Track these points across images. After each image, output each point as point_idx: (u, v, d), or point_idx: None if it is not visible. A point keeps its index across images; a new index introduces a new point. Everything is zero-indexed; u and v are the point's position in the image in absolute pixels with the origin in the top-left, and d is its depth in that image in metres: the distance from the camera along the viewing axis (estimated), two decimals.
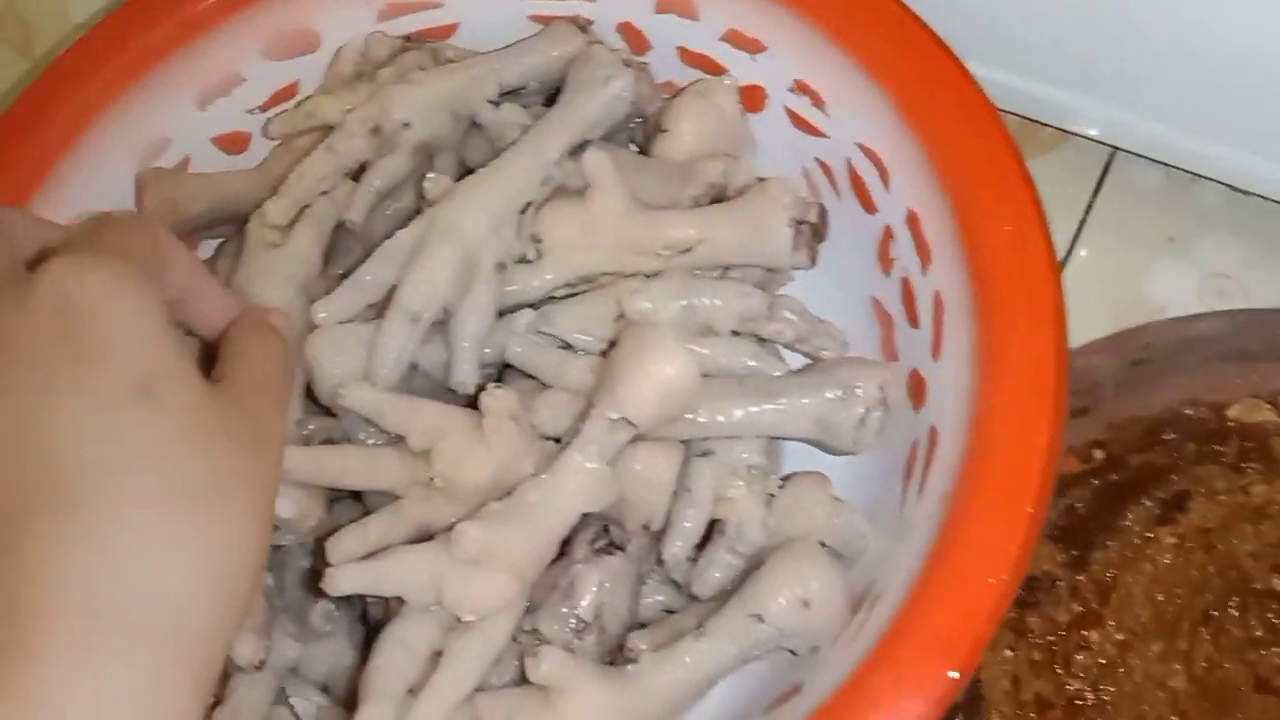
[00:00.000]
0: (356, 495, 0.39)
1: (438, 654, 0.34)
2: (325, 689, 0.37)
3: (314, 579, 0.35)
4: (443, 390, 0.38)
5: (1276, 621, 0.39)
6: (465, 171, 0.40)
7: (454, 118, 0.42)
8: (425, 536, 0.34)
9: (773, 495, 0.38)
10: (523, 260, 0.39)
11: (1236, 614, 0.39)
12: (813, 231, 0.37)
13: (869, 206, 0.41)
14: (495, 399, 0.35)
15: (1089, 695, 0.37)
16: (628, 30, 0.45)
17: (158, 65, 0.43)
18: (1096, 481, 0.38)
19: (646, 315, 0.37)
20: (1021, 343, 0.33)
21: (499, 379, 0.40)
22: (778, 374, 0.38)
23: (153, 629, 0.25)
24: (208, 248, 0.45)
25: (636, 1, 0.44)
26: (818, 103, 0.41)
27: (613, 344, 0.37)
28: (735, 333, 0.39)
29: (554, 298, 0.39)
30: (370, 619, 0.38)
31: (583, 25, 0.44)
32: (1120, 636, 0.38)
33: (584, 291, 0.39)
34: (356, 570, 0.33)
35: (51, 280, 0.27)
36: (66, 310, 0.26)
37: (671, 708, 0.34)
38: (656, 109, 0.43)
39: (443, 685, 0.32)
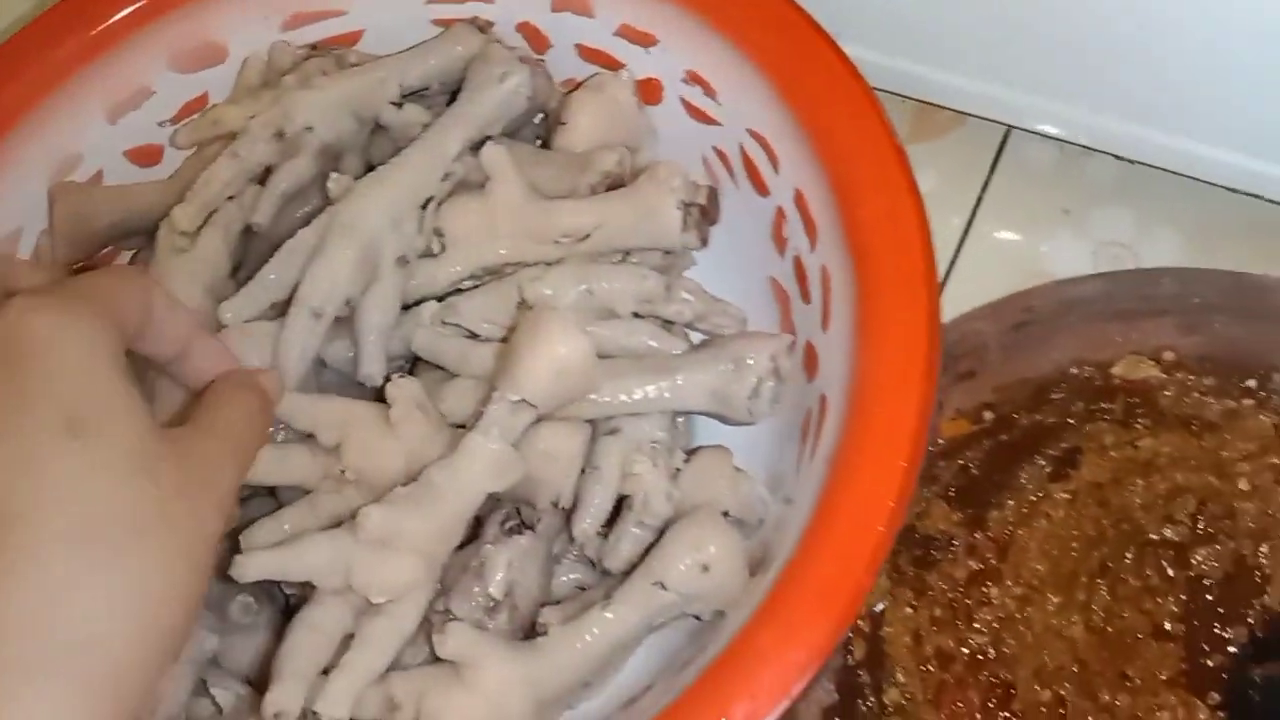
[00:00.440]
0: (271, 491, 0.39)
1: (350, 638, 0.34)
2: (247, 680, 0.38)
3: None
4: (352, 384, 0.39)
5: (1171, 570, 0.40)
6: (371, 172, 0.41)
7: (357, 120, 0.43)
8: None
9: (679, 470, 0.39)
10: (427, 254, 0.40)
11: (1131, 564, 0.40)
12: (702, 213, 0.39)
13: (762, 189, 0.42)
14: (400, 388, 0.36)
15: (990, 648, 0.39)
16: (527, 30, 0.46)
17: (66, 81, 0.43)
18: (988, 442, 0.40)
19: (547, 301, 0.38)
20: (895, 311, 0.35)
21: (410, 371, 0.41)
22: (676, 352, 0.39)
23: (68, 666, 0.25)
24: (123, 260, 0.46)
25: (534, 1, 0.45)
26: (709, 92, 0.43)
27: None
28: (638, 315, 0.40)
29: (460, 289, 0.40)
30: (292, 610, 0.39)
31: (483, 27, 0.45)
32: (1019, 590, 0.39)
33: (488, 282, 0.40)
34: (264, 557, 0.34)
35: (2, 320, 0.27)
36: (11, 349, 0.27)
37: (581, 676, 0.35)
38: (557, 104, 0.44)
39: (354, 664, 0.33)
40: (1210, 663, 0.39)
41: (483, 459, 0.35)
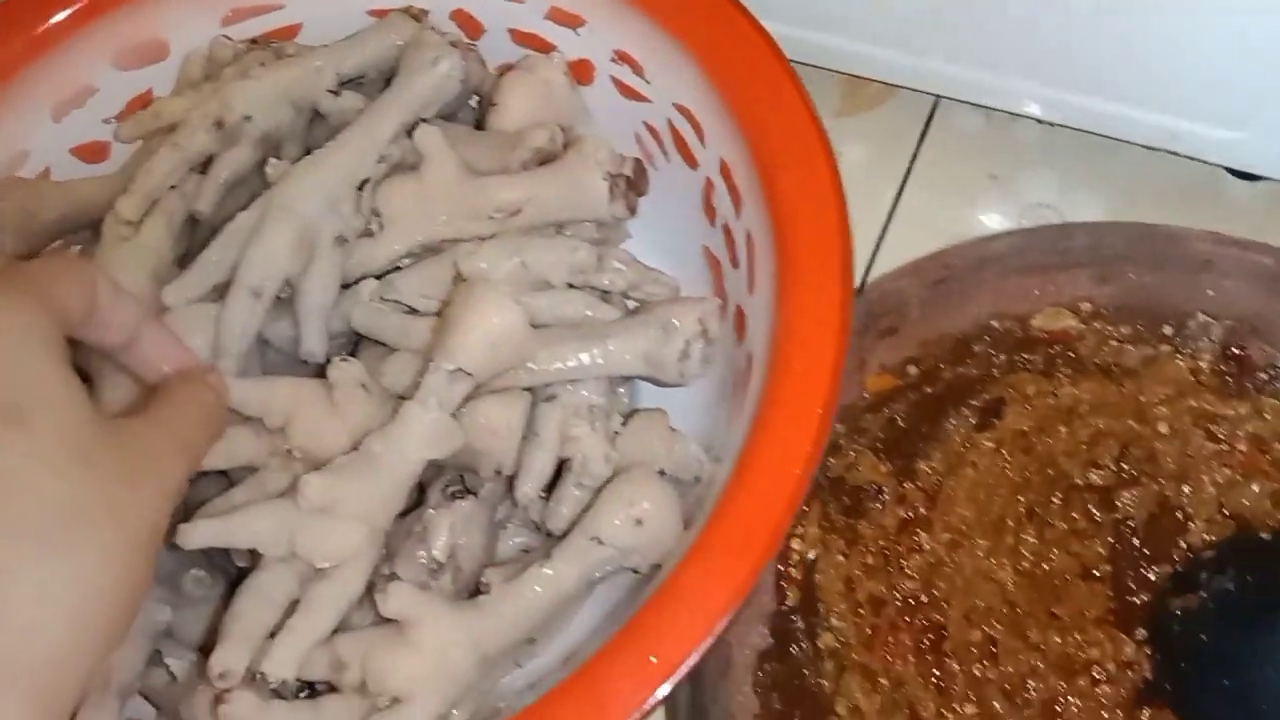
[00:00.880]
0: (225, 474, 0.40)
1: (296, 604, 0.35)
2: (202, 649, 0.39)
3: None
4: (296, 363, 0.40)
5: (1096, 513, 0.42)
6: None
7: (295, 108, 0.44)
8: None
9: (617, 433, 0.40)
10: (366, 234, 0.41)
11: (1058, 509, 0.42)
12: (628, 183, 0.40)
13: (691, 162, 0.44)
14: (341, 369, 0.38)
15: (921, 592, 0.40)
16: (461, 17, 0.47)
17: (10, 81, 0.44)
18: (914, 395, 0.41)
19: (482, 275, 0.40)
20: (812, 270, 0.36)
21: (353, 348, 0.42)
22: (609, 320, 0.40)
23: (1, 656, 0.25)
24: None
25: None
26: (637, 70, 0.44)
27: None
28: (572, 286, 0.41)
29: (399, 267, 0.42)
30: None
31: (417, 15, 0.46)
32: (948, 537, 0.41)
33: (426, 259, 0.41)
34: (208, 525, 0.35)
35: None
36: None
37: (523, 631, 0.36)
38: (490, 87, 0.46)
39: (299, 626, 0.34)
40: (1137, 601, 0.41)
41: (420, 427, 0.36)
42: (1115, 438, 0.42)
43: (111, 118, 0.47)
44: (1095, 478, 0.42)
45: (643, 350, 0.39)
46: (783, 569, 0.39)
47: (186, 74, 0.47)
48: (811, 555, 0.39)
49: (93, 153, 0.47)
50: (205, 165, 0.44)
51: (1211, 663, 0.37)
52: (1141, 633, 0.40)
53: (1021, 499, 0.41)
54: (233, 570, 0.40)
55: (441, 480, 0.39)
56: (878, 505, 0.41)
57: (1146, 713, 0.39)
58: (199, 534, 0.34)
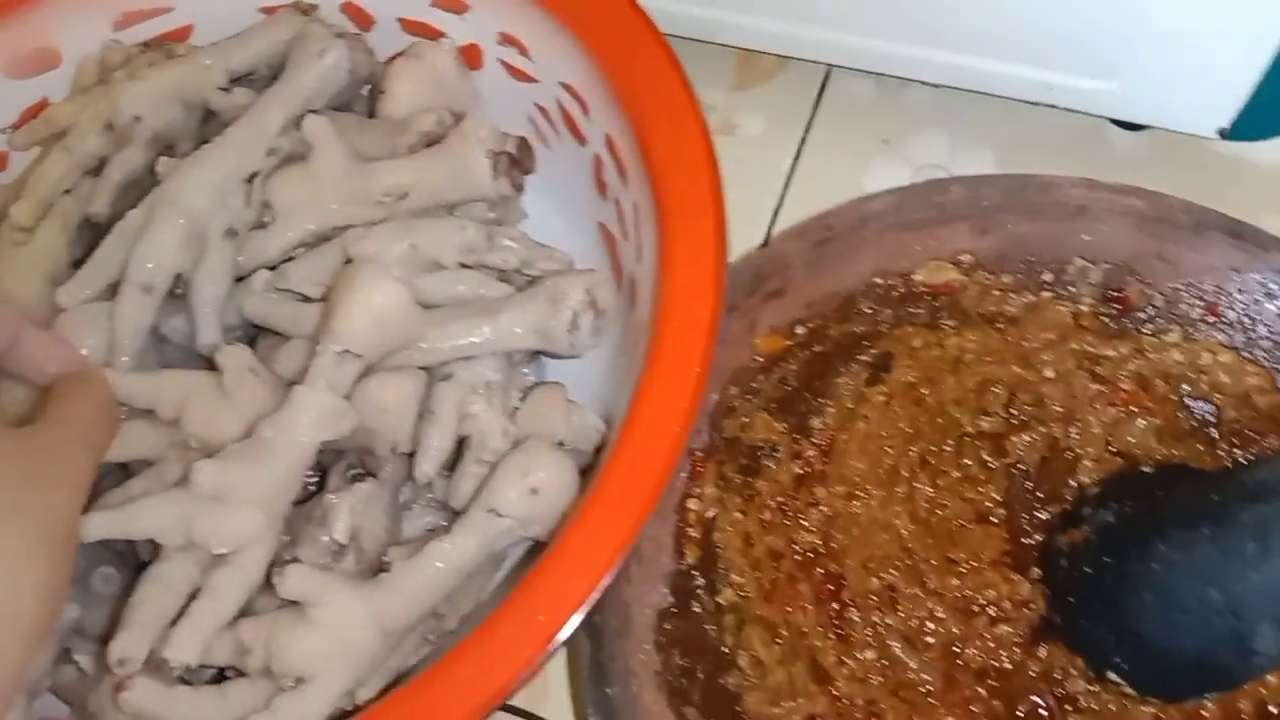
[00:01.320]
0: (125, 469, 0.41)
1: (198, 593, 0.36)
2: (105, 641, 0.39)
3: None
4: (195, 358, 0.41)
5: (988, 459, 0.43)
6: None
7: (185, 107, 0.44)
8: None
9: (516, 408, 0.41)
10: (259, 226, 0.42)
11: (951, 456, 0.43)
12: (512, 161, 0.41)
13: (580, 139, 0.44)
14: (229, 355, 0.38)
15: (819, 544, 0.41)
16: (351, 10, 0.48)
17: None
18: (804, 354, 0.42)
19: (372, 258, 0.40)
20: (688, 233, 0.37)
21: (252, 340, 0.42)
22: (501, 296, 0.41)
23: None
24: None
25: None
26: (523, 51, 0.45)
27: None
28: (465, 267, 0.42)
29: (294, 258, 0.42)
30: None
31: (306, 10, 0.47)
32: (843, 489, 0.42)
33: (320, 247, 0.42)
34: (104, 517, 0.35)
35: None
36: None
37: (426, 605, 0.37)
38: (381, 76, 0.46)
39: (199, 612, 0.35)
40: (1031, 542, 0.42)
41: (311, 410, 0.36)
42: (1002, 384, 0.43)
43: (7, 127, 0.47)
44: (985, 424, 0.43)
45: (533, 323, 0.39)
46: (681, 529, 0.39)
47: (79, 80, 0.47)
48: (710, 514, 0.40)
49: None
50: (100, 168, 0.44)
51: (1094, 593, 0.38)
52: (1036, 572, 0.41)
53: (914, 449, 0.42)
54: (139, 564, 0.41)
55: (341, 464, 0.40)
56: (773, 463, 0.42)
57: (1044, 649, 0.40)
58: (95, 526, 0.35)
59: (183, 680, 0.36)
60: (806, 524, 0.41)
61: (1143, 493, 0.39)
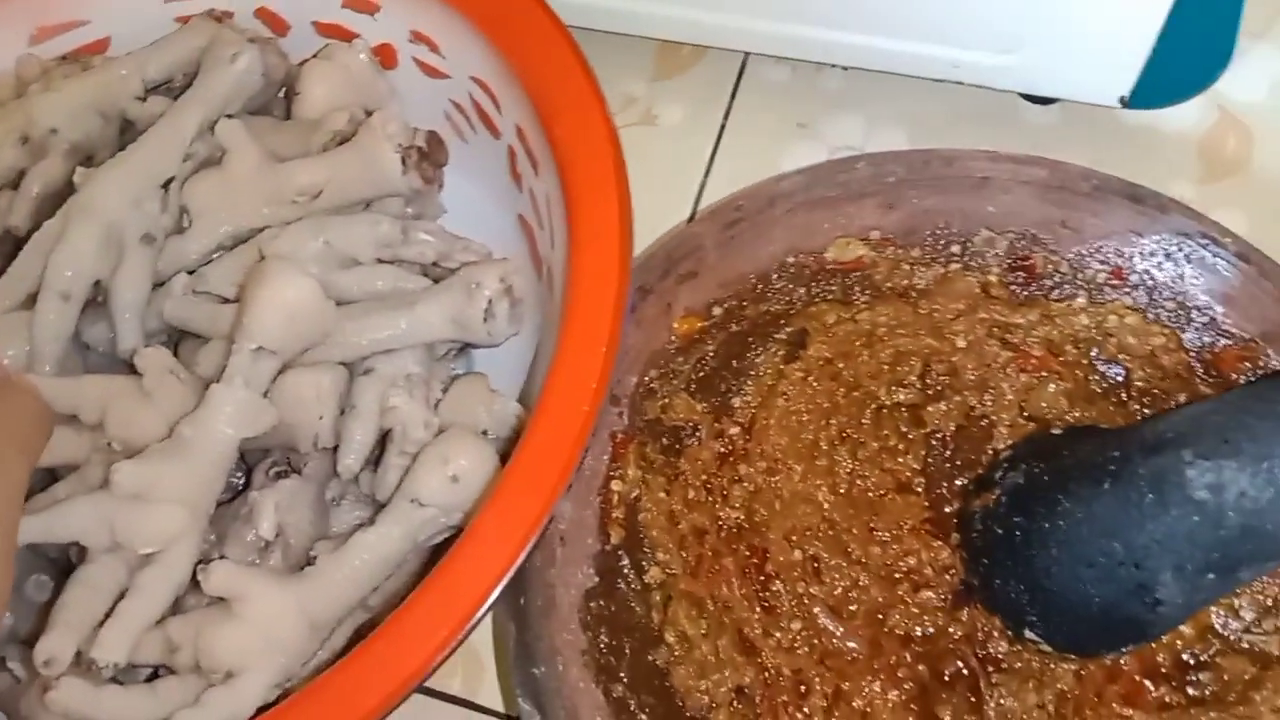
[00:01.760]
0: (53, 475, 0.41)
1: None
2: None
3: None
4: (119, 364, 0.41)
5: (906, 429, 0.44)
6: None
7: (102, 117, 0.45)
8: None
9: (439, 399, 0.41)
10: (177, 231, 0.42)
11: (869, 428, 0.44)
12: (421, 155, 0.41)
13: (494, 132, 0.45)
14: (148, 357, 0.39)
15: (743, 519, 0.42)
16: (265, 15, 0.48)
17: None
18: (720, 334, 0.43)
19: (286, 256, 0.41)
20: (592, 218, 0.38)
21: (176, 345, 0.43)
22: (417, 289, 0.41)
23: None
24: None
25: None
26: (433, 48, 0.46)
27: None
28: (383, 262, 0.42)
29: (213, 260, 0.43)
30: None
31: (220, 17, 0.47)
32: (765, 465, 0.42)
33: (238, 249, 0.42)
34: (28, 521, 0.35)
35: None
36: None
37: (353, 596, 0.38)
38: (295, 78, 0.47)
39: (127, 611, 0.35)
40: (950, 510, 0.43)
41: (229, 407, 0.37)
42: (916, 356, 0.44)
43: None
44: (901, 396, 0.44)
45: (449, 313, 0.40)
46: (605, 510, 0.40)
47: None
48: (633, 495, 0.41)
49: None
50: (18, 181, 0.44)
51: (1006, 553, 0.39)
52: (956, 538, 0.42)
53: (833, 423, 0.43)
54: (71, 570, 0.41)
55: (266, 461, 0.40)
56: (695, 442, 0.42)
57: (965, 613, 0.41)
58: (20, 530, 0.35)
59: (115, 681, 0.36)
60: (730, 501, 0.42)
61: (1051, 453, 0.40)
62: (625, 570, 0.40)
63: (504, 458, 0.39)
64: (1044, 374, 0.44)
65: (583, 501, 0.40)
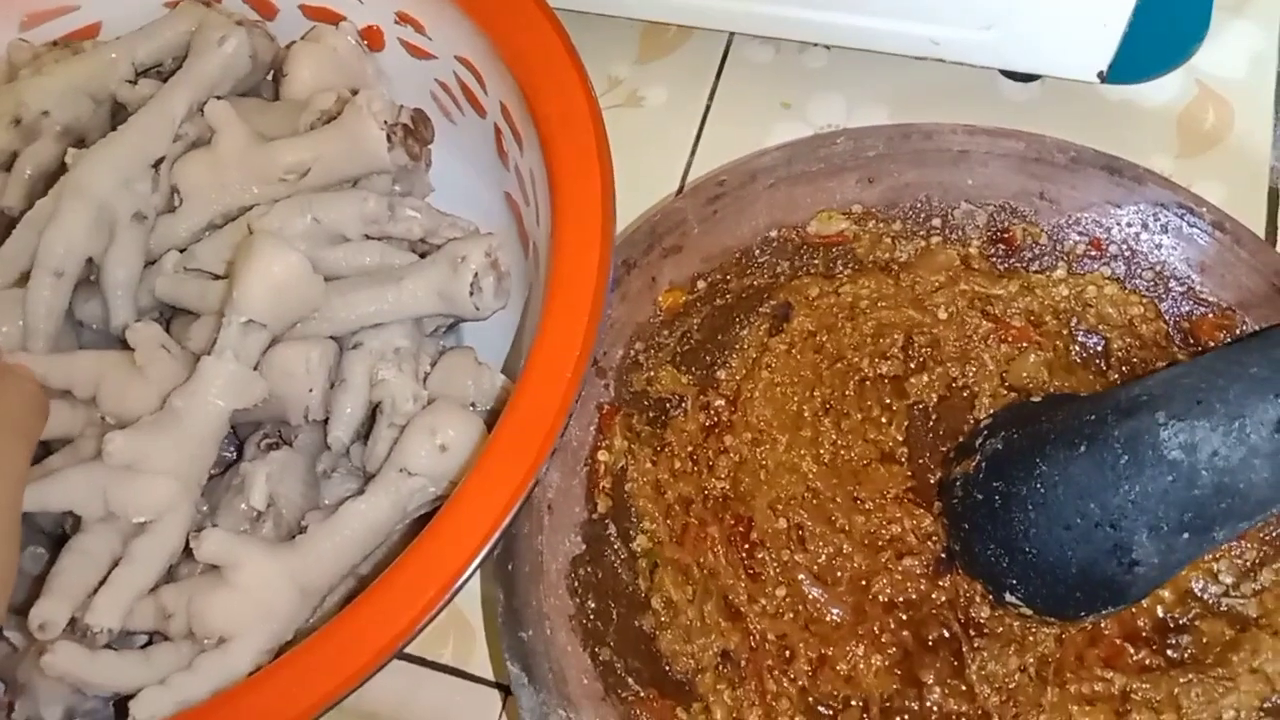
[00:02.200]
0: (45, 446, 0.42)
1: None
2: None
3: None
4: (113, 342, 0.42)
5: (889, 400, 0.45)
6: None
7: (93, 100, 0.45)
8: None
9: (427, 373, 0.42)
10: (168, 210, 0.43)
11: (853, 400, 0.44)
12: (407, 132, 0.42)
13: (480, 110, 0.46)
14: (139, 331, 0.39)
15: (728, 489, 0.42)
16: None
17: None
18: (705, 308, 0.44)
19: (275, 232, 0.41)
20: (575, 192, 0.38)
21: (169, 322, 0.44)
22: (404, 264, 0.42)
23: None
24: None
25: None
26: (419, 29, 0.46)
27: None
28: (371, 239, 0.43)
29: (203, 238, 0.43)
30: None
31: (207, 2, 0.48)
32: (750, 436, 0.43)
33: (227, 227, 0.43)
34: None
35: None
36: None
37: (343, 563, 0.38)
38: (283, 60, 0.47)
39: (120, 578, 0.36)
40: (933, 479, 0.43)
41: (219, 379, 0.38)
42: (898, 328, 0.44)
43: None
44: (884, 368, 0.45)
45: (435, 288, 0.41)
46: (592, 480, 0.41)
47: None
48: (620, 465, 0.42)
49: None
50: (10, 163, 0.45)
51: (986, 518, 0.39)
52: (939, 507, 0.43)
53: (817, 394, 0.44)
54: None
55: (257, 435, 0.41)
56: (681, 414, 0.43)
57: (948, 579, 0.42)
58: None
59: (109, 648, 0.37)
60: (716, 471, 0.42)
61: (1030, 419, 0.40)
62: (612, 538, 0.40)
63: (490, 429, 0.40)
64: (1024, 344, 0.44)
65: (570, 471, 0.40)
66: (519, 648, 0.37)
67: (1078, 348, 0.44)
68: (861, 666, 0.40)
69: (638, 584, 0.41)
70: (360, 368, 0.41)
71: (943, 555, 0.42)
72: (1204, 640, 0.40)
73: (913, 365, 0.45)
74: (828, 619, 0.41)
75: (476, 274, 0.40)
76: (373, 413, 0.42)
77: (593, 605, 0.39)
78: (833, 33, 0.52)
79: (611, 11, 0.54)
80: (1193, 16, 0.47)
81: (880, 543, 0.42)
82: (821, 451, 0.43)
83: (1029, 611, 0.40)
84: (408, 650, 0.37)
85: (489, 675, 0.44)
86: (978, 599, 0.41)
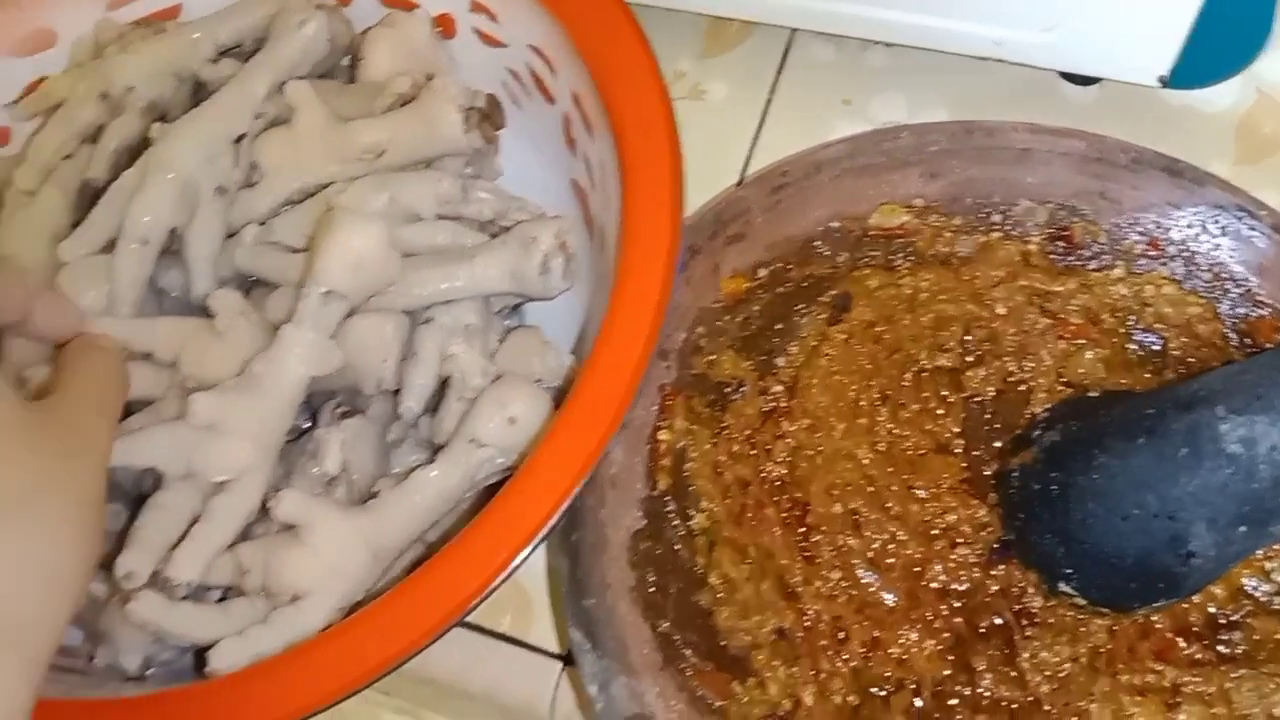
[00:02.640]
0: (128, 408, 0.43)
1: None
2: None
3: None
4: (193, 309, 0.43)
5: (946, 393, 0.45)
6: None
7: (176, 78, 0.47)
8: None
9: (495, 349, 0.43)
10: (248, 185, 0.44)
11: (910, 391, 0.45)
12: (482, 116, 0.43)
13: (549, 98, 0.47)
14: (220, 299, 0.40)
15: (785, 474, 0.43)
16: None
17: None
18: (766, 295, 0.44)
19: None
20: (647, 180, 0.39)
21: (247, 294, 0.45)
22: (476, 243, 0.43)
23: None
24: None
25: None
26: (492, 17, 0.47)
27: None
28: (443, 219, 0.44)
29: (281, 213, 0.45)
30: None
31: None
32: (807, 423, 0.44)
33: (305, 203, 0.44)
34: None
35: None
36: None
37: (412, 529, 0.39)
38: (359, 45, 0.49)
39: (200, 534, 0.37)
40: (988, 471, 0.44)
41: (298, 348, 0.39)
42: (957, 322, 0.45)
43: (10, 103, 0.49)
44: (942, 360, 0.45)
45: (507, 267, 0.42)
46: (654, 458, 0.42)
47: (75, 56, 0.50)
48: (680, 445, 0.42)
49: None
50: (97, 136, 0.46)
51: (1042, 508, 0.40)
52: (993, 498, 0.43)
53: (874, 384, 0.45)
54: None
55: (331, 403, 0.42)
56: (740, 398, 0.44)
57: (1001, 569, 0.42)
58: None
59: (186, 599, 0.38)
60: (773, 455, 0.43)
61: (1088, 413, 0.41)
62: (671, 515, 0.41)
63: (556, 405, 0.41)
64: (1082, 341, 0.45)
65: (632, 449, 0.41)
66: (583, 615, 0.38)
67: (1134, 346, 0.45)
68: (914, 651, 0.41)
69: (695, 560, 0.41)
70: (432, 342, 0.42)
71: (996, 546, 0.43)
72: (1255, 637, 0.40)
73: (970, 359, 0.45)
74: (881, 604, 0.42)
75: (546, 255, 0.41)
76: (442, 387, 0.43)
77: (653, 578, 0.40)
78: (895, 31, 0.53)
79: (677, 6, 0.55)
80: (1256, 22, 0.47)
81: (934, 532, 0.43)
82: (878, 440, 0.44)
83: (1083, 601, 0.40)
84: (468, 619, 0.38)
85: (546, 646, 0.45)
86: (1030, 590, 0.42)
